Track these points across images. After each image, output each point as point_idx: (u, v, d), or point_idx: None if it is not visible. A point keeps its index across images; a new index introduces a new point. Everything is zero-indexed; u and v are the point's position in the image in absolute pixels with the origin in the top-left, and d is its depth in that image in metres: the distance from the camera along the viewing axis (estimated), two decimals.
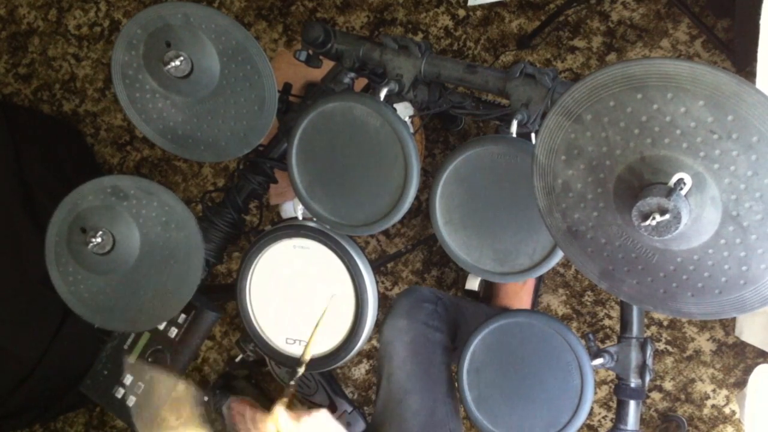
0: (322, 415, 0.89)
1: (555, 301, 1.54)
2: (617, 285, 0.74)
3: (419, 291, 1.16)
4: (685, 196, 0.63)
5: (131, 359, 1.04)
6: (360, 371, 1.68)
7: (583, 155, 0.69)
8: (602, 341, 1.52)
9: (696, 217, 0.64)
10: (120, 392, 1.04)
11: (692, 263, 0.68)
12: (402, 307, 1.11)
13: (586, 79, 0.66)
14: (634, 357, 0.96)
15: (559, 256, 0.86)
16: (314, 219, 0.98)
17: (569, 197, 0.72)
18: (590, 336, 0.97)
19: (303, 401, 1.67)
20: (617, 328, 1.01)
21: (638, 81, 0.63)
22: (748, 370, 1.41)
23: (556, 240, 0.75)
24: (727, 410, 1.45)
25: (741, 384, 1.43)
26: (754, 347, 1.39)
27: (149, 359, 1.03)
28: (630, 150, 0.66)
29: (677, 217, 0.62)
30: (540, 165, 0.72)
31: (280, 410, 0.88)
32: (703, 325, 1.46)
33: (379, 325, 1.10)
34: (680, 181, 0.63)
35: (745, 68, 1.35)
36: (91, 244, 0.92)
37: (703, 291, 0.69)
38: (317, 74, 1.13)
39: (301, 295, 1.00)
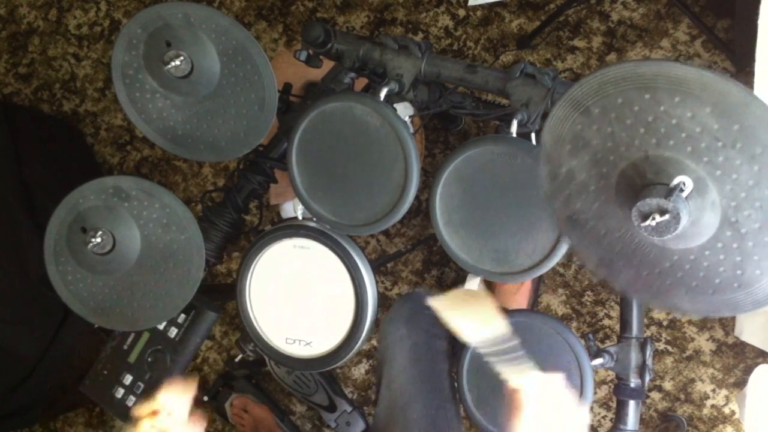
0: None
1: (555, 301, 1.54)
2: (614, 275, 0.75)
3: (419, 297, 1.14)
4: (686, 198, 0.63)
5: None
6: (360, 371, 1.68)
7: (589, 147, 0.70)
8: (602, 341, 1.52)
9: (695, 220, 0.65)
10: (120, 392, 1.04)
11: (688, 262, 0.69)
12: (402, 315, 1.09)
13: (596, 73, 0.66)
14: (634, 357, 0.97)
15: (558, 256, 0.86)
16: (314, 219, 0.98)
17: (572, 185, 0.72)
18: (590, 336, 0.97)
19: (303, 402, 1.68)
20: (617, 328, 1.01)
21: (648, 81, 0.64)
22: (748, 370, 1.41)
23: (558, 225, 0.76)
24: (726, 410, 1.45)
25: (741, 384, 1.43)
26: (754, 347, 1.39)
27: (149, 359, 1.03)
28: (635, 148, 0.66)
29: (676, 219, 0.62)
30: (546, 151, 0.73)
31: None
32: (703, 325, 1.46)
33: (378, 325, 1.10)
34: (681, 183, 0.63)
35: (745, 68, 1.35)
36: (91, 244, 0.92)
37: (697, 290, 0.69)
38: (317, 74, 1.13)
39: (301, 295, 1.00)
